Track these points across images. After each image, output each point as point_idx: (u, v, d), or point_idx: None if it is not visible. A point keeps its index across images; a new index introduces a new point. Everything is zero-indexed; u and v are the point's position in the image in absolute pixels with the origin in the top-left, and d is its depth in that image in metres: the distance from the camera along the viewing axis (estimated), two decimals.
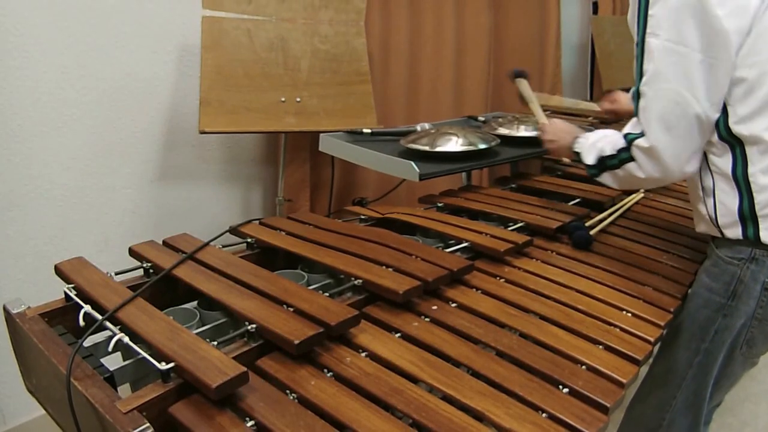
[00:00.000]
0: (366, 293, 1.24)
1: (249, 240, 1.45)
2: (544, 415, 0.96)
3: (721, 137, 1.23)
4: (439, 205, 1.82)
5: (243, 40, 2.09)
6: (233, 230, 1.50)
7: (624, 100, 2.06)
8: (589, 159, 1.42)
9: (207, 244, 1.38)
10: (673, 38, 1.14)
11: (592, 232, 1.64)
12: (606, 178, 1.40)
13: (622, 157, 1.32)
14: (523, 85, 1.98)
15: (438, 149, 1.87)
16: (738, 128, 1.20)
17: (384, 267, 1.28)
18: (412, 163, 1.72)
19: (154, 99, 2.22)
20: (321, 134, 2.05)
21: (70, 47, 1.98)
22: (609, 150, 1.35)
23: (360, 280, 1.23)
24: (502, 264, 1.43)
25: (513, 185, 2.04)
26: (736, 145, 1.22)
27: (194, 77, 2.23)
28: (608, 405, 0.99)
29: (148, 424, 0.85)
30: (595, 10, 3.70)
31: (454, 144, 1.89)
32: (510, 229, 1.61)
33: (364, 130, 2.08)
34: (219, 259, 1.31)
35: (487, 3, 2.93)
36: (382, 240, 1.41)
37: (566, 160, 1.73)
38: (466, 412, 0.95)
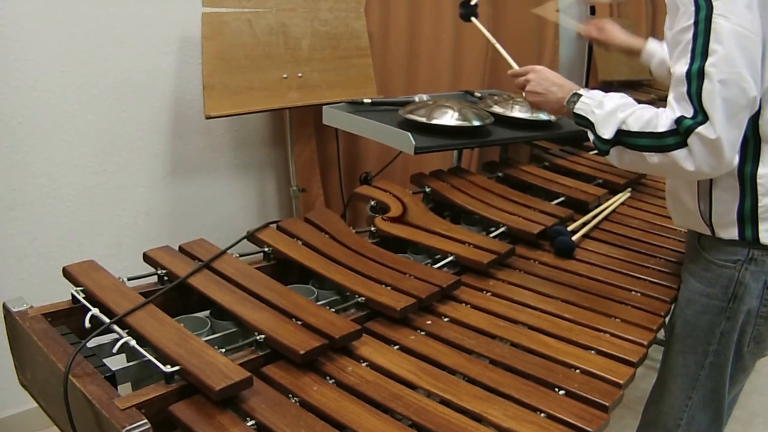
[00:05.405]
0: (368, 310, 1.13)
1: (266, 250, 1.29)
2: (542, 415, 0.84)
3: None
4: (427, 190, 1.63)
5: (243, 29, 1.89)
6: (251, 237, 1.33)
7: (614, 33, 1.65)
8: (606, 131, 1.02)
9: (224, 252, 1.21)
10: (745, 25, 0.94)
11: (574, 238, 1.43)
12: (621, 156, 1.04)
13: (668, 142, 0.96)
14: (479, 25, 1.65)
15: (434, 122, 1.68)
16: (766, 128, 1.02)
17: (383, 285, 1.17)
18: (409, 134, 1.56)
19: (158, 89, 1.96)
20: (324, 107, 1.86)
21: (69, 49, 1.76)
22: (636, 125, 1.00)
23: (363, 298, 1.13)
24: (486, 277, 1.28)
25: (499, 174, 1.83)
26: (753, 143, 1.03)
27: (196, 65, 1.94)
28: (607, 404, 0.85)
29: (145, 421, 0.70)
30: (593, 12, 3.51)
31: (449, 117, 1.70)
32: (492, 235, 1.44)
33: (365, 100, 1.88)
34: (235, 269, 1.16)
35: None
36: (382, 260, 1.27)
37: (553, 117, 1.37)
38: (464, 414, 0.85)
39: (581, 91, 1.13)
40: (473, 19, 1.64)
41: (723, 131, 0.91)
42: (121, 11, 1.82)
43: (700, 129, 0.93)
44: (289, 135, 2.13)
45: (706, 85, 0.92)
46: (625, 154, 1.02)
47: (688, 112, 0.94)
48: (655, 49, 1.54)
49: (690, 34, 0.95)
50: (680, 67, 0.96)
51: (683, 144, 0.94)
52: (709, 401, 1.16)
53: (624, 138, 1.01)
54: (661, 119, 0.97)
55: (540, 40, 3.01)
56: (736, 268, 1.07)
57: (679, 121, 0.95)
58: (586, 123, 1.08)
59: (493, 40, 1.52)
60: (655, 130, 0.97)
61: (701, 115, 0.93)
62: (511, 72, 1.32)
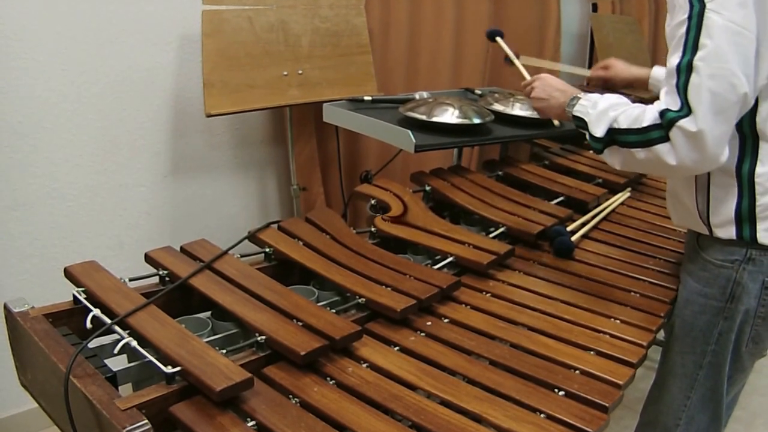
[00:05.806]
0: (368, 310, 1.13)
1: (267, 250, 1.28)
2: (542, 415, 0.84)
3: (738, 129, 1.01)
4: (427, 188, 1.62)
5: (244, 26, 1.87)
6: (252, 237, 1.32)
7: (620, 68, 1.65)
8: (598, 130, 1.04)
9: (225, 252, 1.21)
10: (737, 21, 0.94)
11: (573, 238, 1.42)
12: (613, 155, 1.04)
13: (652, 136, 0.97)
14: (503, 44, 1.67)
15: (434, 119, 1.67)
16: (764, 125, 1.01)
17: (383, 286, 1.17)
18: (410, 132, 1.55)
19: (158, 87, 1.94)
20: (324, 104, 1.85)
21: (69, 48, 1.74)
22: (625, 123, 1.01)
23: (363, 299, 1.13)
24: (486, 278, 1.27)
25: (499, 172, 1.82)
26: (750, 141, 1.02)
27: (196, 62, 1.90)
28: (607, 405, 0.84)
29: (146, 421, 0.70)
30: (595, 9, 3.45)
31: (450, 115, 1.69)
32: (491, 235, 1.43)
33: (365, 98, 1.87)
34: (236, 270, 1.16)
35: None
36: (382, 260, 1.27)
37: (557, 122, 1.41)
38: (464, 415, 0.85)
39: (580, 94, 1.14)
40: (498, 39, 1.67)
41: (706, 125, 0.91)
42: (121, 9, 1.81)
43: (681, 122, 0.93)
44: (290, 133, 2.12)
45: (693, 79, 0.93)
46: (618, 153, 1.03)
47: (675, 104, 0.94)
48: (661, 74, 1.53)
49: (683, 29, 0.96)
50: (672, 61, 0.97)
51: (666, 138, 0.95)
52: (707, 401, 1.16)
53: (615, 136, 1.02)
54: (647, 114, 0.98)
55: (541, 37, 2.97)
56: (733, 268, 1.07)
57: (663, 113, 0.95)
58: (583, 124, 1.09)
59: (513, 57, 1.56)
60: (641, 125, 0.98)
61: (686, 108, 0.93)
62: (523, 83, 1.36)
